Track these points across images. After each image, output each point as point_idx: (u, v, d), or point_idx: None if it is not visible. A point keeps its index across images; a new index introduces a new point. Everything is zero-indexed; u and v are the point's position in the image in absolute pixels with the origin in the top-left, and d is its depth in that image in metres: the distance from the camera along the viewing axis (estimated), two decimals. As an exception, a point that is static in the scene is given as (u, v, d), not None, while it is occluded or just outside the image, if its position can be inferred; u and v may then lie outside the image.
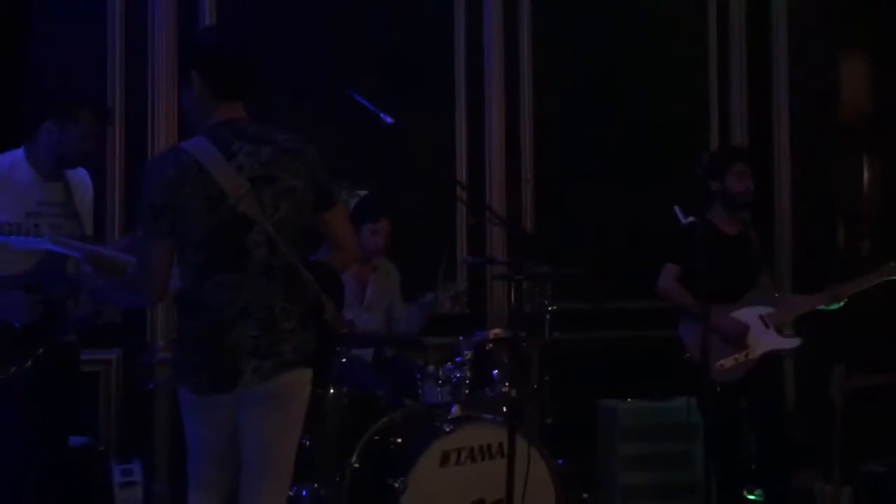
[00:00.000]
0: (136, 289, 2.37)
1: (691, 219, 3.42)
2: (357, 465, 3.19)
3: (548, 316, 3.77)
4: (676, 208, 3.43)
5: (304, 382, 2.32)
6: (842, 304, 3.71)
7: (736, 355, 3.57)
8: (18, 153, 2.93)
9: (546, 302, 3.79)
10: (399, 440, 3.24)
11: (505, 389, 3.33)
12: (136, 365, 3.97)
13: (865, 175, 5.11)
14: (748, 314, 3.64)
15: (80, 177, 3.07)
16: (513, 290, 2.98)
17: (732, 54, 5.18)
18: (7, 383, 2.81)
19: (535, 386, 3.76)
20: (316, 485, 3.22)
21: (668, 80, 4.98)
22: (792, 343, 3.70)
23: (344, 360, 3.40)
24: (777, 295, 3.80)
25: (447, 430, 3.12)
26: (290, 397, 2.29)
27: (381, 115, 2.46)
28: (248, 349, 2.22)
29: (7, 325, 2.79)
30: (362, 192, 3.53)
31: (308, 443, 3.15)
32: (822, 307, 3.74)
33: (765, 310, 3.66)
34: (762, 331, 3.64)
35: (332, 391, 3.33)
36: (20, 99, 3.48)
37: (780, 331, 3.69)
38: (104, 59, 3.97)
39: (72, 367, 3.04)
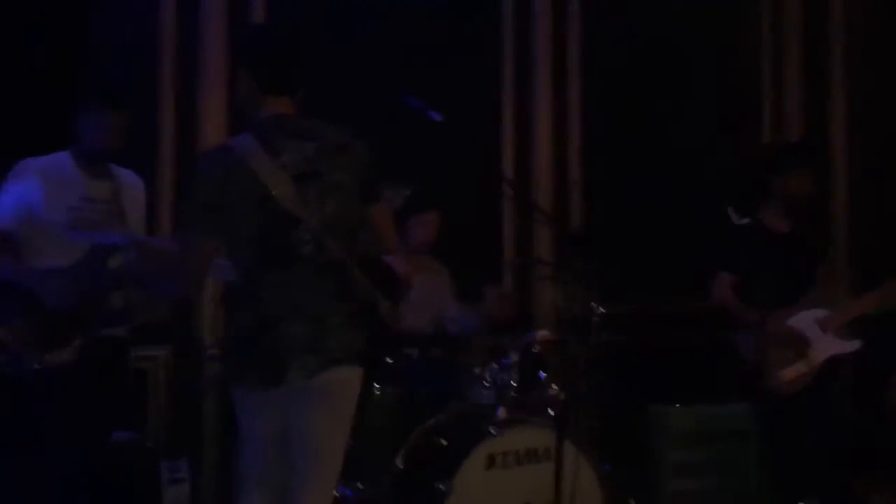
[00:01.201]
0: (174, 282, 2.42)
1: (746, 220, 3.32)
2: (402, 467, 3.17)
3: (596, 318, 3.69)
4: (730, 209, 3.34)
5: (354, 381, 2.31)
6: None
7: (797, 365, 3.46)
8: (65, 153, 3.00)
9: (594, 303, 3.72)
10: (444, 442, 3.20)
11: (552, 392, 3.27)
12: (185, 362, 4.00)
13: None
14: (805, 319, 3.52)
15: (130, 179, 3.11)
16: (560, 291, 2.92)
17: (788, 50, 5.05)
18: (50, 375, 2.83)
19: (584, 389, 3.69)
20: (360, 485, 3.20)
21: (721, 77, 4.88)
22: (852, 346, 3.56)
23: (390, 360, 3.38)
24: (832, 296, 3.66)
25: (493, 432, 3.07)
26: (339, 395, 2.28)
27: (430, 112, 2.43)
28: (296, 345, 2.22)
29: (42, 311, 2.80)
30: (407, 192, 3.51)
31: (353, 442, 3.13)
32: (878, 310, 3.58)
33: (821, 313, 3.54)
34: (820, 336, 3.51)
35: (377, 390, 3.32)
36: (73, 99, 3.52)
37: (838, 334, 3.56)
38: (155, 58, 4.01)
39: (120, 363, 3.06)
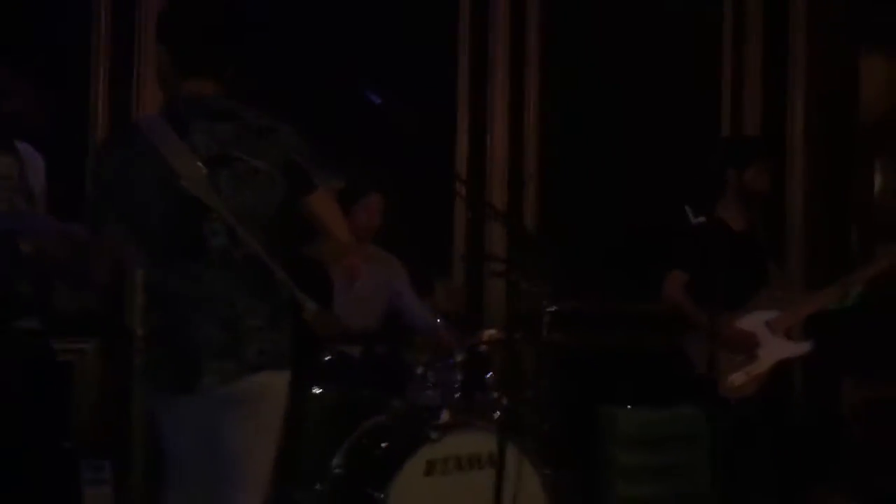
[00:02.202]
0: (79, 270, 2.21)
1: (702, 219, 3.22)
2: (339, 471, 3.02)
3: (546, 316, 3.58)
4: (687, 207, 3.23)
5: (278, 386, 2.13)
6: (853, 301, 3.46)
7: (746, 369, 3.38)
8: None
9: (545, 302, 3.60)
10: (384, 444, 3.06)
11: (498, 394, 3.14)
12: (113, 354, 3.80)
13: (879, 177, 4.93)
14: (754, 321, 3.44)
15: (31, 155, 2.91)
16: (510, 288, 2.79)
17: (748, 44, 4.96)
18: None
19: (531, 391, 3.57)
20: (294, 492, 3.04)
21: (678, 70, 4.79)
22: (802, 348, 3.49)
23: (329, 356, 3.23)
24: (782, 295, 3.58)
25: (434, 436, 2.94)
26: (261, 402, 2.10)
27: (371, 94, 2.26)
28: (209, 348, 2.04)
29: None
30: (343, 176, 3.35)
31: (287, 446, 2.97)
32: (832, 306, 3.50)
33: (770, 314, 3.46)
34: (769, 338, 3.43)
35: (315, 390, 3.16)
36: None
37: (788, 336, 3.49)
38: (90, 26, 3.78)
39: (37, 356, 2.88)
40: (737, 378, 3.35)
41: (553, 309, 3.59)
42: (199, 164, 2.01)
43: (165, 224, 2.04)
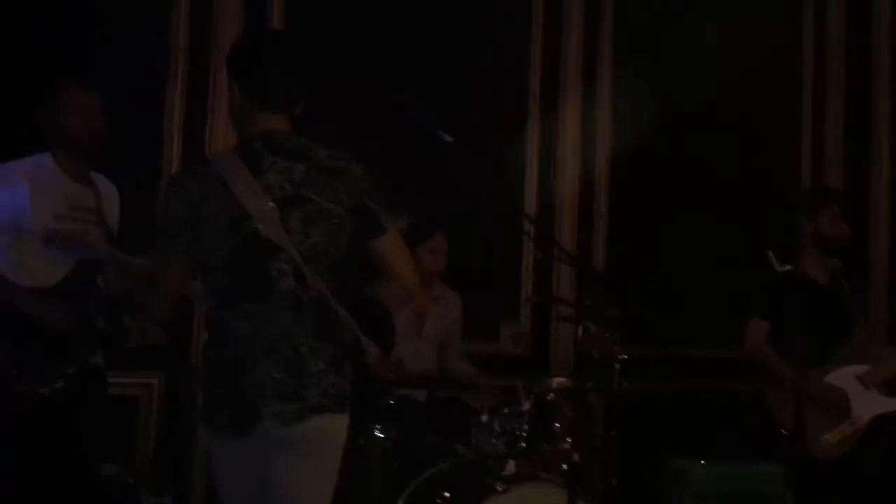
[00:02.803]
0: (142, 304, 2.20)
1: (788, 267, 3.07)
2: (400, 520, 2.92)
3: (617, 364, 3.44)
4: (771, 254, 3.09)
5: (336, 430, 2.08)
6: None
7: (841, 427, 3.19)
8: (46, 155, 2.80)
9: (616, 348, 3.47)
10: (447, 494, 2.96)
11: (566, 446, 3.01)
12: (178, 390, 3.79)
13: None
14: (844, 376, 3.28)
15: (106, 186, 2.92)
16: (579, 333, 2.69)
17: (829, 90, 4.82)
18: (36, 404, 2.66)
19: (600, 442, 3.43)
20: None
21: (758, 114, 4.65)
22: None
23: (392, 400, 3.15)
24: (868, 350, 3.42)
25: (500, 489, 2.83)
26: (319, 445, 2.04)
27: (441, 133, 2.20)
28: (270, 391, 1.99)
29: (38, 339, 2.64)
30: (408, 218, 3.30)
31: (346, 490, 2.90)
32: None
33: (861, 368, 3.30)
34: (863, 393, 3.26)
35: (376, 433, 3.08)
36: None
37: (881, 390, 3.30)
38: (166, 61, 3.83)
39: (97, 391, 2.87)
40: (831, 437, 3.18)
41: (624, 356, 3.46)
42: (272, 203, 1.98)
43: (233, 263, 2.01)
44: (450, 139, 2.19)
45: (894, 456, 3.32)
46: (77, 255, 2.71)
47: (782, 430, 3.19)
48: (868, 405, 3.26)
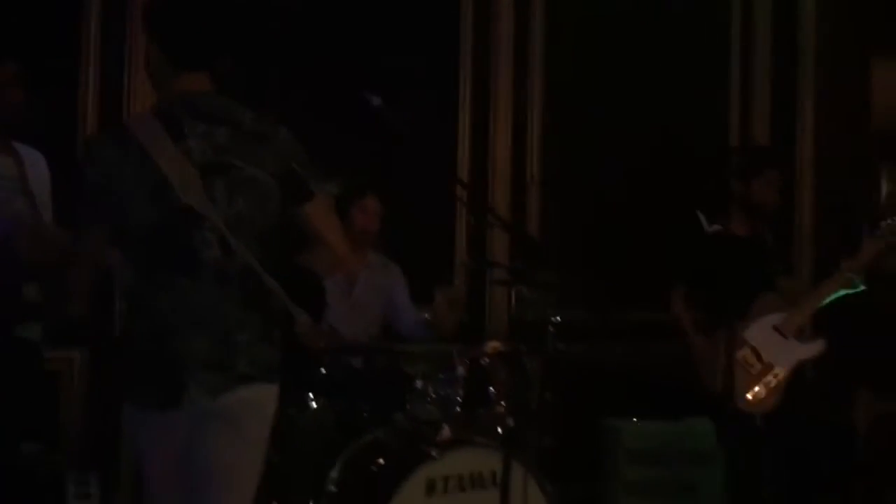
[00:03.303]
0: (61, 276, 2.14)
1: (717, 226, 3.10)
2: (334, 489, 2.89)
3: (552, 327, 3.45)
4: (700, 214, 3.11)
5: (265, 400, 2.02)
6: (859, 285, 3.29)
7: (765, 380, 3.24)
8: None
9: (550, 312, 3.48)
10: (381, 461, 2.93)
11: (501, 410, 3.01)
12: (102, 365, 3.66)
13: (886, 183, 4.82)
14: (761, 327, 3.30)
15: (33, 157, 2.82)
16: (514, 297, 2.67)
17: (756, 51, 4.91)
18: None
19: (535, 406, 3.44)
20: (287, 509, 2.92)
21: (686, 76, 4.70)
22: (816, 347, 3.32)
23: (325, 369, 3.10)
24: (786, 296, 3.42)
25: (435, 455, 2.81)
26: (247, 416, 1.98)
27: (369, 96, 2.14)
28: (196, 362, 1.93)
29: None
30: (339, 180, 3.24)
31: (281, 461, 2.85)
32: (839, 293, 3.32)
33: (777, 318, 3.31)
34: (782, 343, 3.29)
35: (311, 403, 3.03)
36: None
37: (798, 337, 3.34)
38: (78, 24, 3.63)
39: (31, 366, 2.78)
40: (760, 391, 3.22)
41: (558, 319, 3.47)
42: (194, 170, 1.90)
43: (154, 233, 1.93)
44: (377, 101, 2.12)
45: (818, 403, 3.39)
46: None
47: (710, 391, 3.22)
48: (787, 354, 3.26)
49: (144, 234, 1.93)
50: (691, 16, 4.75)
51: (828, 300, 3.33)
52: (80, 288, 2.08)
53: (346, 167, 3.17)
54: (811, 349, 3.32)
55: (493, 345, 3.24)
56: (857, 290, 3.30)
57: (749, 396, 3.21)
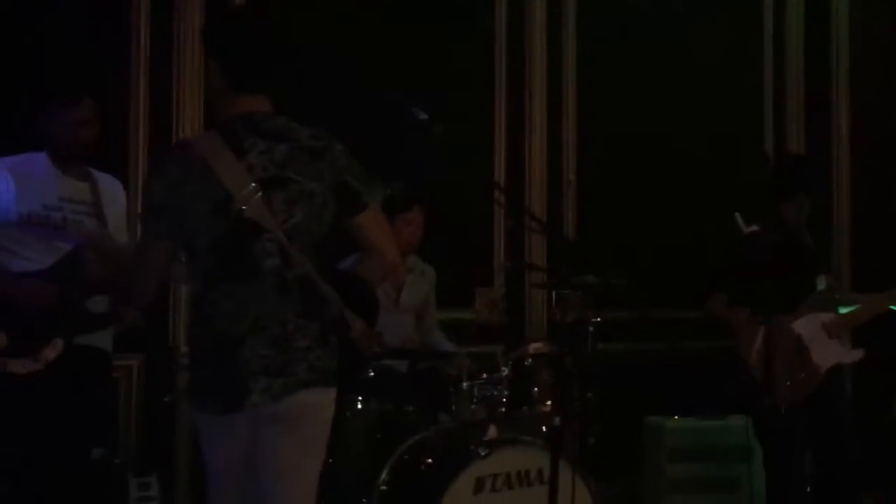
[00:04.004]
0: (125, 288, 2.23)
1: (754, 227, 3.14)
2: (384, 489, 2.98)
3: (591, 328, 3.51)
4: (737, 215, 3.15)
5: (324, 403, 2.11)
6: None
7: (802, 373, 3.28)
8: (41, 153, 2.91)
9: (589, 312, 3.54)
10: (430, 461, 3.02)
11: (545, 409, 3.09)
12: (157, 372, 3.80)
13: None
14: (810, 322, 3.33)
15: (109, 182, 3.01)
16: (553, 299, 2.74)
17: (788, 58, 4.95)
18: (25, 381, 2.71)
19: (578, 404, 3.51)
20: (339, 509, 3.02)
21: (721, 81, 4.74)
22: (855, 355, 3.38)
23: (373, 373, 3.20)
24: (838, 297, 3.49)
25: (482, 453, 2.89)
26: (307, 419, 2.08)
27: (417, 110, 2.23)
28: (257, 367, 2.02)
29: (21, 315, 2.70)
30: (387, 191, 3.33)
31: (332, 462, 2.95)
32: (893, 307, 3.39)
33: (827, 316, 3.35)
34: (825, 342, 3.33)
35: (359, 406, 3.13)
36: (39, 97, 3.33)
37: (842, 341, 3.38)
38: (128, 47, 3.77)
39: (101, 374, 2.94)
40: (793, 383, 3.26)
41: (597, 319, 3.53)
42: (255, 185, 2.00)
43: (218, 244, 2.03)
44: (425, 116, 2.21)
45: (841, 402, 3.39)
46: (56, 240, 2.76)
47: (750, 382, 3.26)
48: (828, 354, 3.30)
49: (208, 245, 2.03)
50: (727, 22, 4.79)
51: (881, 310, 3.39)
52: (147, 299, 2.19)
53: (391, 179, 3.26)
54: (851, 355, 3.38)
55: (535, 346, 3.31)
56: None
57: (783, 385, 3.24)
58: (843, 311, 3.44)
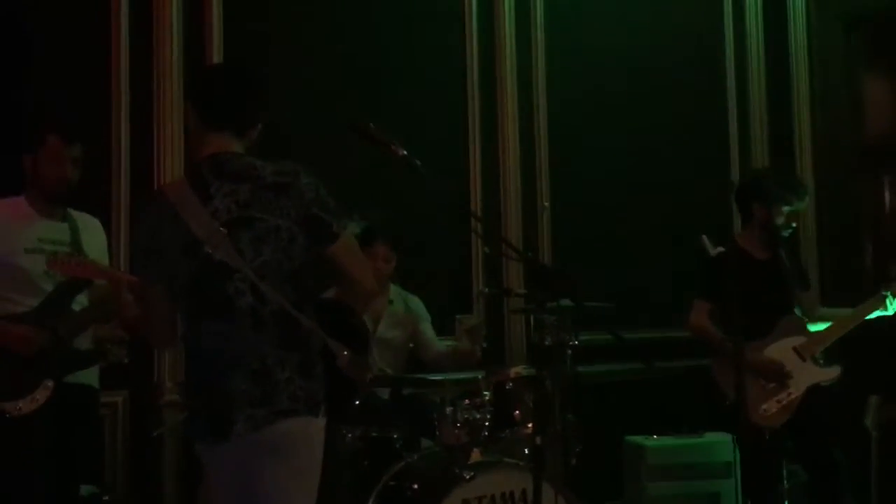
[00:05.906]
0: (146, 331, 2.33)
1: (720, 249, 3.24)
2: (372, 514, 3.03)
3: (570, 350, 3.59)
4: (704, 238, 3.26)
5: (310, 432, 2.16)
6: (893, 306, 3.44)
7: (778, 397, 3.37)
8: (19, 197, 2.97)
9: (567, 335, 3.62)
10: (416, 486, 3.07)
11: (527, 431, 3.16)
12: (143, 407, 3.83)
13: (888, 196, 4.96)
14: (782, 348, 3.44)
15: (89, 222, 3.08)
16: (532, 323, 2.82)
17: (750, 72, 5.12)
18: (18, 422, 2.77)
19: (559, 426, 3.58)
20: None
21: (686, 103, 4.89)
22: (832, 373, 3.47)
23: (357, 401, 3.24)
24: (806, 321, 3.56)
25: (467, 476, 2.95)
26: (293, 448, 2.13)
27: (394, 147, 2.31)
28: (241, 399, 2.10)
29: (12, 359, 2.77)
30: (358, 227, 3.40)
31: (319, 491, 2.98)
32: (874, 314, 3.48)
33: (798, 340, 3.45)
34: (800, 364, 3.42)
35: (345, 434, 3.18)
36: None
37: (816, 361, 3.48)
38: (108, 98, 3.83)
39: (89, 411, 3.01)
40: (770, 406, 3.35)
41: (575, 342, 3.61)
42: (222, 228, 2.09)
43: (194, 285, 2.13)
44: (403, 153, 2.29)
45: (824, 420, 3.47)
46: (78, 275, 2.82)
47: (726, 402, 3.35)
48: (804, 376, 3.39)
49: (186, 286, 2.13)
50: (688, 46, 4.95)
51: (863, 320, 3.48)
52: (164, 339, 2.26)
53: (356, 214, 3.32)
54: (827, 374, 3.46)
55: (516, 370, 3.39)
56: (890, 311, 3.45)
57: (761, 411, 3.33)
58: (813, 328, 3.54)
